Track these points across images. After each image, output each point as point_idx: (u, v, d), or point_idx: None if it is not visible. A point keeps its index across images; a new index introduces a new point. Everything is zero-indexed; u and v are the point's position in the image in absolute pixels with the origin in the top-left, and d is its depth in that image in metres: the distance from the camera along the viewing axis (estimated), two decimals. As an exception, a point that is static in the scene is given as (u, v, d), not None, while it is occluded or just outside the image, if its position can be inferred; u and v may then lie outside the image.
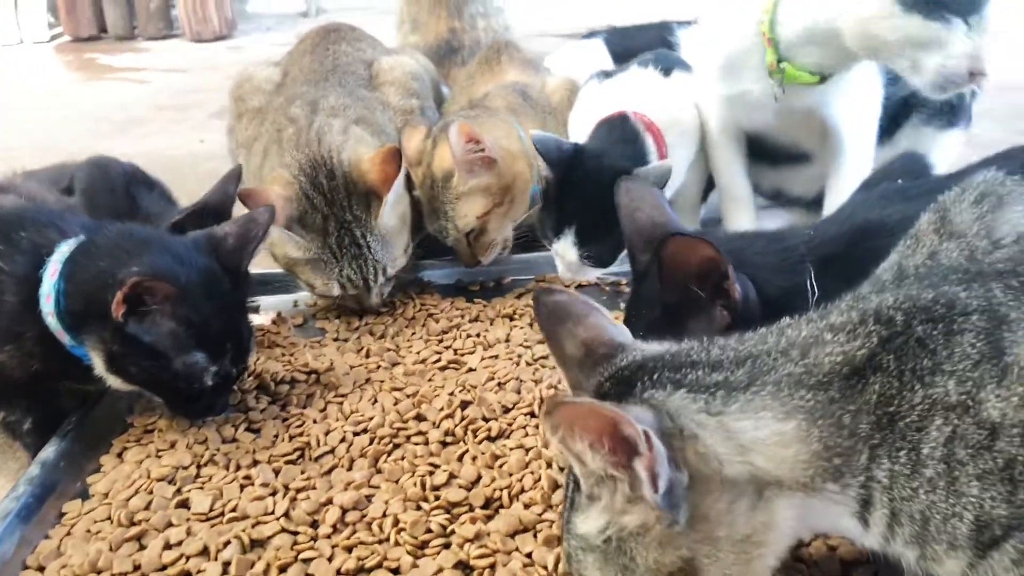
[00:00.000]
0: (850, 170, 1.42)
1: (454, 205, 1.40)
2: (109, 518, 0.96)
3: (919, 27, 1.10)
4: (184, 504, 0.98)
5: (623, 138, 1.35)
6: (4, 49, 4.25)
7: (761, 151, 1.51)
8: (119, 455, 1.08)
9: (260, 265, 1.42)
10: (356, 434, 1.08)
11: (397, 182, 1.30)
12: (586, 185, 1.26)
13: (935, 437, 0.57)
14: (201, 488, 1.00)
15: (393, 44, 2.88)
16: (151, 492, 0.99)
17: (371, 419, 1.09)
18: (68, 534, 0.95)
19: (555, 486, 0.94)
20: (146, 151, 2.56)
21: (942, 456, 0.57)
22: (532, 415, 1.09)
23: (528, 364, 1.21)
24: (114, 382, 1.03)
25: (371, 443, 1.06)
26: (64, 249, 1.00)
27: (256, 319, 1.44)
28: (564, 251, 1.30)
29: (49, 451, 1.05)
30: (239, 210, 1.26)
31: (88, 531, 0.95)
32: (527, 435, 1.04)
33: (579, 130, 1.48)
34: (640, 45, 2.08)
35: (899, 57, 1.15)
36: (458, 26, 2.73)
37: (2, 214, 1.06)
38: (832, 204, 1.43)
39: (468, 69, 1.80)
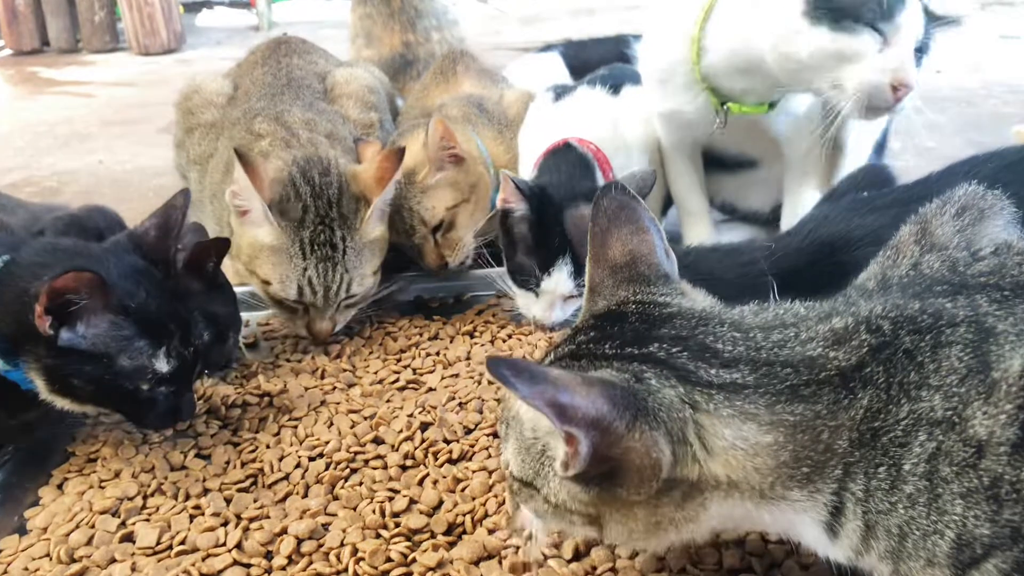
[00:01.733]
0: (804, 180, 1.41)
1: (420, 199, 1.37)
2: (48, 555, 0.91)
3: (829, 40, 1.06)
4: (129, 538, 0.93)
5: (575, 163, 1.34)
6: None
7: (714, 159, 1.51)
8: (59, 486, 1.03)
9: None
10: (311, 459, 1.04)
11: (391, 185, 1.26)
12: (560, 218, 1.24)
13: (918, 453, 0.56)
14: (147, 520, 0.95)
15: (347, 58, 2.85)
16: (93, 526, 0.94)
17: (327, 443, 1.05)
18: (4, 572, 0.89)
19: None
20: (91, 167, 2.49)
21: (924, 472, 0.55)
22: (495, 435, 1.06)
23: (490, 383, 1.18)
24: (62, 403, 0.98)
25: (327, 468, 1.02)
26: None
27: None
28: (558, 284, 1.26)
29: (-18, 484, 1.00)
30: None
31: (26, 569, 0.89)
32: (490, 456, 1.01)
33: (528, 148, 1.46)
34: (596, 58, 2.09)
35: (818, 78, 1.10)
36: (412, 39, 2.71)
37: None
38: (789, 215, 1.43)
39: (423, 80, 1.78)
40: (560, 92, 1.54)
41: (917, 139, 2.23)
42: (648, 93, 1.43)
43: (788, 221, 1.44)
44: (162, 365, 0.98)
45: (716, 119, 1.30)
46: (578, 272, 1.25)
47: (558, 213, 1.24)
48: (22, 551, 0.92)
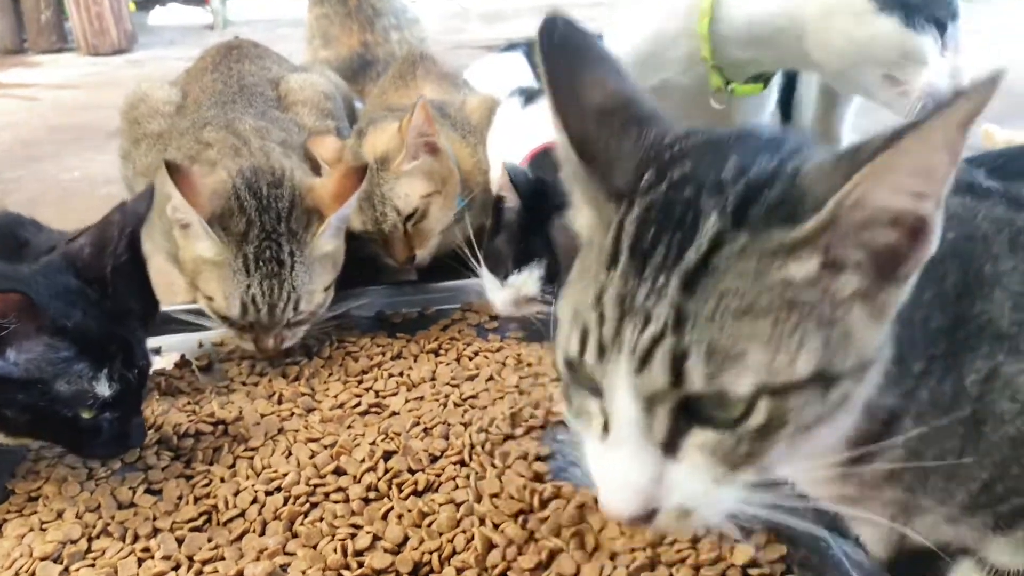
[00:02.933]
0: None
1: (393, 185, 1.32)
2: (-17, 607, 0.84)
3: (898, 33, 1.02)
4: (72, 586, 0.87)
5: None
6: None
7: None
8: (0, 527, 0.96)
9: (165, 302, 1.31)
10: (268, 493, 0.98)
11: (349, 203, 1.21)
12: (557, 215, 1.19)
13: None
14: (92, 566, 0.88)
15: (303, 59, 2.78)
16: (33, 574, 0.87)
17: (285, 475, 1.00)
18: (-65, 628, 0.83)
19: (489, 546, 0.86)
20: (36, 173, 2.39)
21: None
22: (462, 463, 1.02)
23: (456, 405, 1.13)
24: None
25: (285, 503, 0.96)
26: None
27: (158, 362, 1.33)
28: (525, 285, 1.23)
29: (-86, 530, 0.93)
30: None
31: (-41, 624, 0.83)
32: (457, 487, 0.97)
33: (501, 152, 1.42)
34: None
35: (870, 69, 1.05)
36: (371, 39, 2.64)
37: None
38: None
39: (381, 84, 1.72)
40: (530, 95, 1.49)
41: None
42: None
43: None
44: (104, 389, 0.92)
45: (713, 98, 1.26)
46: (549, 279, 1.22)
47: (547, 216, 1.20)
48: (-45, 604, 0.86)
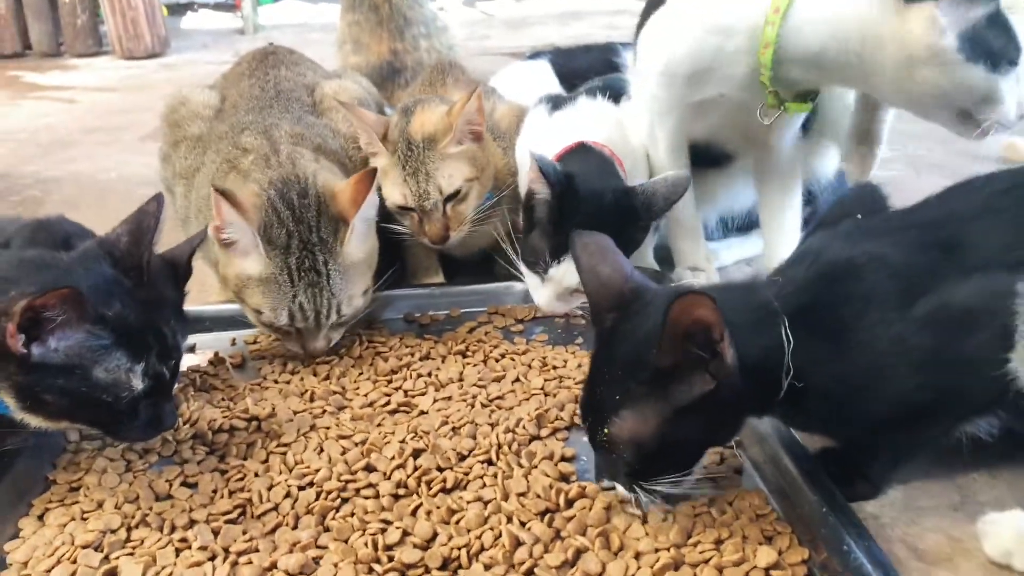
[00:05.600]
0: (787, 188, 1.42)
1: (438, 165, 1.35)
2: (27, 593, 0.88)
3: (984, 79, 1.06)
4: (113, 573, 0.89)
5: (600, 161, 1.33)
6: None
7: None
8: (40, 517, 0.99)
9: (195, 301, 1.34)
10: (301, 488, 1.01)
11: (366, 205, 1.23)
12: (587, 206, 1.23)
13: None
14: (131, 554, 0.92)
15: (334, 64, 2.83)
16: (75, 561, 0.90)
17: (317, 471, 1.03)
18: (-18, 611, 0.87)
19: (516, 543, 0.88)
20: (74, 174, 2.45)
21: None
22: (489, 463, 1.04)
23: (483, 406, 1.16)
24: (34, 421, 0.94)
25: (317, 498, 0.99)
26: None
27: (192, 359, 1.36)
28: (565, 276, 1.25)
29: (-40, 518, 0.96)
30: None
31: (4, 607, 0.87)
32: (484, 486, 0.99)
33: (528, 159, 1.44)
34: (585, 66, 2.07)
35: (947, 106, 1.10)
36: (400, 47, 2.69)
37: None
38: (775, 229, 1.43)
39: (411, 90, 1.75)
40: (557, 103, 1.51)
41: (907, 148, 2.23)
42: (660, 86, 1.34)
43: (774, 236, 1.44)
44: (138, 383, 0.94)
45: (763, 114, 1.27)
46: None
47: (580, 204, 1.23)
48: (0, 589, 0.89)
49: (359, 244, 1.24)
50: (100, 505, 1.00)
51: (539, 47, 2.70)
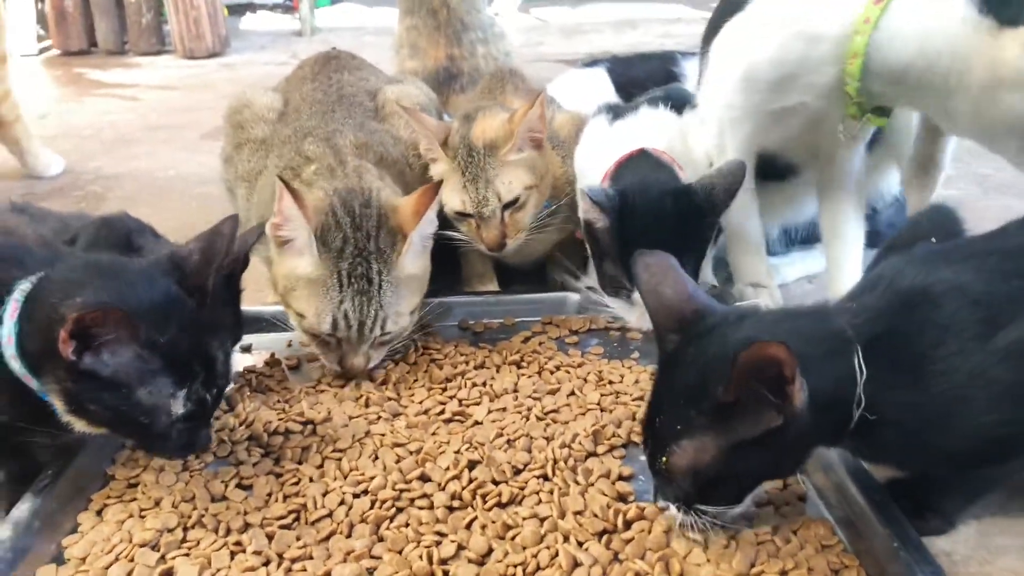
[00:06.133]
0: (850, 206, 1.39)
1: (498, 172, 1.35)
2: (85, 589, 0.88)
3: None
4: (169, 574, 0.90)
5: (657, 167, 1.31)
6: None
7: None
8: (99, 513, 1.00)
9: (253, 301, 1.35)
10: (356, 496, 1.00)
11: (425, 220, 1.22)
12: (648, 220, 1.22)
13: None
14: (187, 555, 0.92)
15: (390, 68, 2.84)
16: (132, 559, 0.91)
17: (372, 479, 1.02)
18: (41, 606, 0.88)
19: (575, 564, 0.86)
20: (135, 171, 2.50)
21: None
22: (545, 478, 1.02)
23: (538, 419, 1.14)
24: (78, 424, 0.94)
25: (372, 507, 0.98)
26: (25, 287, 0.92)
27: (248, 359, 1.37)
28: None
29: (23, 509, 0.97)
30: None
31: (63, 603, 0.87)
32: (540, 502, 0.97)
33: (587, 168, 1.43)
34: (643, 75, 2.04)
35: (1020, 133, 1.06)
36: (457, 53, 2.69)
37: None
38: (838, 249, 1.39)
39: (470, 97, 1.74)
40: (617, 112, 1.50)
41: (972, 165, 2.15)
42: (735, 93, 1.30)
43: (837, 253, 1.40)
44: (179, 407, 0.93)
45: (843, 126, 1.24)
46: None
47: (640, 220, 1.22)
48: (59, 584, 0.90)
49: (414, 260, 1.23)
50: (157, 503, 1.00)
51: (594, 54, 2.68)
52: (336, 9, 5.68)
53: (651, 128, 1.39)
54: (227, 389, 1.24)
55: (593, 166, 1.38)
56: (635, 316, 1.30)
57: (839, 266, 1.37)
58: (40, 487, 1.01)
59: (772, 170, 1.43)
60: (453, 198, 1.37)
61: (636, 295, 1.22)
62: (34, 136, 2.39)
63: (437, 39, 2.71)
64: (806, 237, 1.58)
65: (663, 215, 1.22)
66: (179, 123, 3.01)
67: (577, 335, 1.39)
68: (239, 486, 1.04)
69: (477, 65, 2.64)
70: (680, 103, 1.46)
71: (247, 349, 1.40)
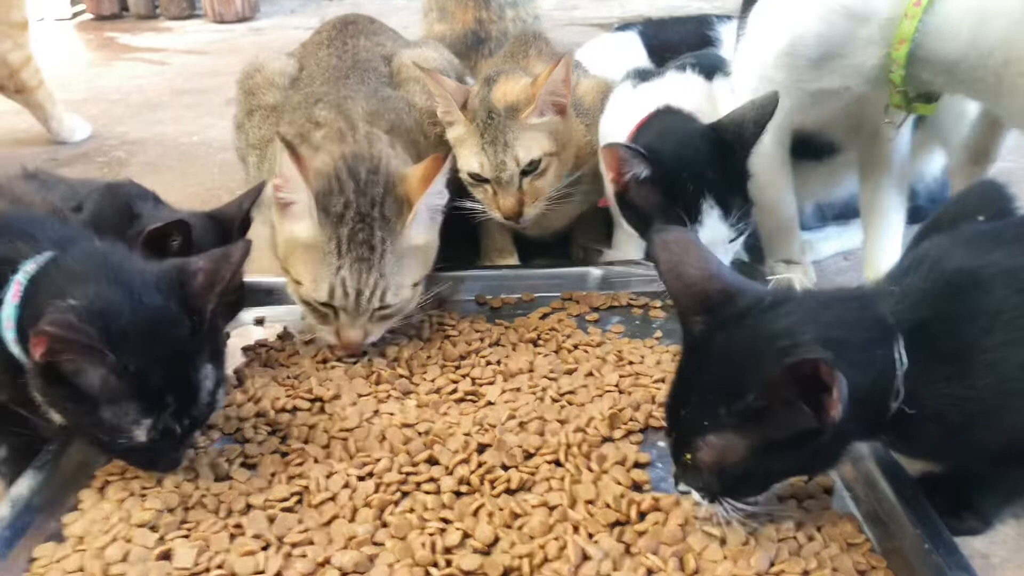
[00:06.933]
0: (892, 184, 1.31)
1: (518, 135, 1.29)
2: (82, 569, 0.86)
3: None
4: (167, 556, 0.87)
5: (681, 118, 1.26)
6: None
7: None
8: (101, 490, 0.98)
9: (266, 272, 1.32)
10: (360, 479, 0.97)
11: (432, 190, 1.17)
12: (687, 161, 1.17)
13: None
14: (186, 537, 0.89)
15: (418, 32, 2.78)
16: (131, 540, 0.88)
17: (378, 461, 0.99)
18: (37, 586, 0.86)
19: (584, 557, 0.82)
20: (159, 136, 2.48)
21: None
22: (557, 463, 0.98)
23: (553, 400, 1.10)
24: (56, 419, 0.91)
25: (376, 490, 0.95)
26: (29, 268, 0.89)
27: (260, 332, 1.34)
28: (714, 232, 1.18)
29: (23, 486, 0.95)
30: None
31: (58, 584, 0.85)
32: (551, 489, 0.93)
33: (609, 132, 1.37)
34: (677, 39, 1.95)
35: None
36: (485, 16, 2.61)
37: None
38: (879, 228, 1.31)
39: (493, 61, 1.68)
40: (643, 76, 1.43)
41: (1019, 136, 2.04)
42: (770, 69, 1.22)
43: (877, 233, 1.32)
44: (142, 435, 0.88)
45: (887, 115, 1.17)
46: (724, 208, 1.17)
47: (677, 162, 1.17)
48: (57, 561, 0.87)
49: (420, 230, 1.18)
50: (159, 482, 0.97)
51: (628, 18, 2.58)
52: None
53: (677, 92, 1.32)
54: (238, 366, 1.23)
55: (615, 130, 1.32)
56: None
57: (878, 245, 1.30)
58: (42, 462, 0.99)
59: (809, 148, 1.35)
60: (471, 161, 1.31)
61: (703, 231, 1.17)
62: (58, 101, 2.37)
63: (466, 2, 2.64)
64: (841, 212, 1.49)
65: (697, 153, 1.17)
66: (205, 88, 2.98)
67: (598, 312, 1.34)
68: (244, 465, 1.01)
69: (506, 29, 2.56)
70: (711, 69, 1.38)
71: (260, 322, 1.37)
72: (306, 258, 1.16)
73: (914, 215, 1.36)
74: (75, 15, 4.38)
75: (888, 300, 0.76)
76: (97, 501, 0.96)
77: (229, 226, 1.17)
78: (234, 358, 1.25)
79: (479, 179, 1.33)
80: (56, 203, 1.14)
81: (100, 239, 1.04)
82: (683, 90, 1.33)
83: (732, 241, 1.21)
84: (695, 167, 1.17)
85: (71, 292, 0.85)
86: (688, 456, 0.78)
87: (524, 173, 1.30)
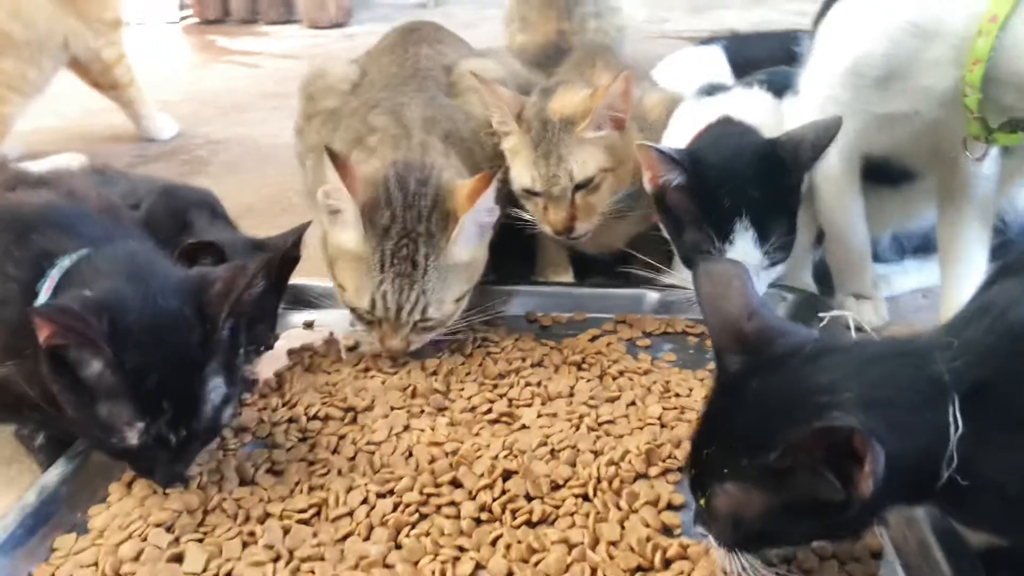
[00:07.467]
0: (983, 213, 1.21)
1: (572, 150, 1.25)
2: (95, 564, 0.86)
3: None
4: (178, 558, 0.87)
5: (736, 130, 1.20)
6: (135, 29, 4.35)
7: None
8: (129, 485, 0.98)
9: (323, 276, 1.31)
10: (380, 495, 0.94)
11: (480, 205, 1.14)
12: (726, 173, 1.11)
13: None
14: (200, 541, 0.89)
15: (501, 41, 2.77)
16: (145, 539, 0.88)
17: (400, 479, 0.96)
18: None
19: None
20: (241, 137, 2.54)
21: None
22: (585, 498, 0.93)
23: (590, 429, 1.04)
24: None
25: (395, 509, 0.92)
26: (65, 263, 0.90)
27: (307, 336, 1.33)
28: (746, 255, 1.11)
29: (52, 475, 0.96)
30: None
31: (72, 576, 0.85)
32: (574, 525, 0.88)
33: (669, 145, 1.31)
34: (763, 55, 1.87)
35: None
36: (567, 27, 2.58)
37: (24, 213, 0.97)
38: (957, 272, 1.21)
39: (559, 72, 1.64)
40: (711, 91, 1.37)
41: None
42: (839, 89, 1.15)
43: (955, 270, 1.21)
44: (133, 439, 0.87)
45: (968, 147, 1.08)
46: (762, 233, 1.11)
47: (718, 173, 1.12)
48: (74, 553, 0.88)
49: (465, 246, 1.15)
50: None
51: (720, 33, 2.50)
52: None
53: (741, 107, 1.25)
54: (279, 368, 1.22)
55: (674, 144, 1.26)
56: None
57: (957, 284, 1.19)
58: (75, 452, 1.00)
59: (883, 174, 1.26)
60: (523, 174, 1.28)
61: (732, 252, 1.11)
62: (149, 100, 2.46)
63: (547, 12, 2.62)
64: (922, 245, 1.39)
65: (744, 169, 1.11)
66: (292, 91, 2.99)
67: (650, 337, 1.28)
68: (270, 471, 1.00)
69: (589, 41, 2.53)
70: (781, 87, 1.31)
71: (309, 325, 1.37)
72: (350, 266, 1.15)
73: (1002, 251, 1.24)
74: (182, 19, 4.58)
75: (945, 354, 0.67)
76: (124, 495, 0.96)
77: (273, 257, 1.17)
78: (280, 360, 1.26)
79: (531, 192, 1.29)
80: (113, 200, 1.16)
81: (147, 239, 1.06)
82: (748, 106, 1.26)
83: (767, 269, 1.14)
84: (736, 182, 1.10)
85: (91, 286, 0.85)
86: (703, 499, 0.72)
87: (577, 188, 1.26)
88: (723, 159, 1.12)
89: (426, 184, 1.14)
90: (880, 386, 0.66)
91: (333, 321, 1.34)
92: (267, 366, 1.24)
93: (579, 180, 1.25)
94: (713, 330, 0.77)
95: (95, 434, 0.88)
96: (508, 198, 1.32)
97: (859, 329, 1.14)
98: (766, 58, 1.78)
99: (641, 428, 1.04)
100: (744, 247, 1.11)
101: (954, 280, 1.20)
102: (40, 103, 2.28)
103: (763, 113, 1.25)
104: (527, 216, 1.33)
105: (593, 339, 1.27)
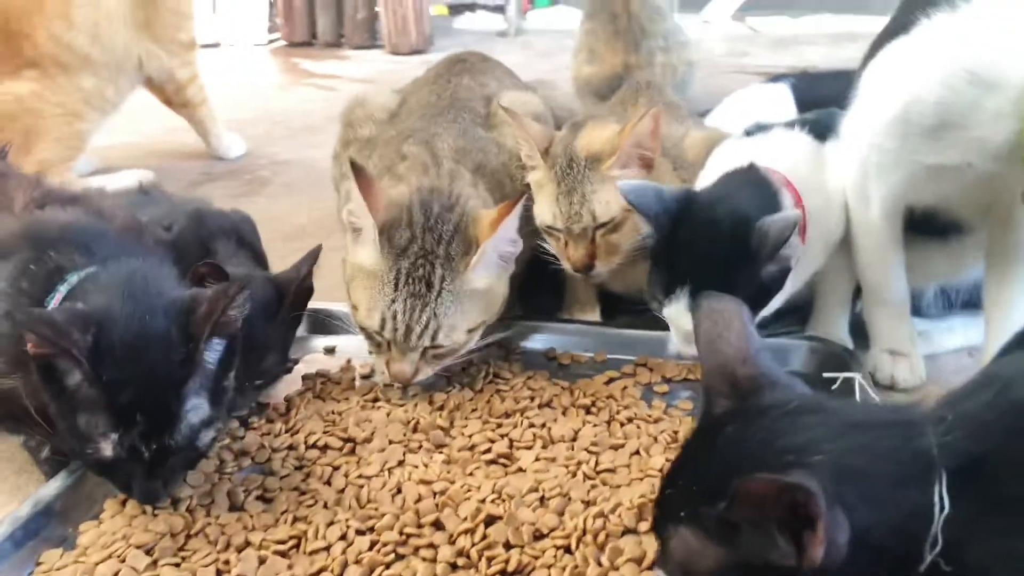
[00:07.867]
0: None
1: (596, 188, 1.23)
2: (72, 583, 0.87)
3: None
4: (152, 581, 0.87)
5: (750, 183, 1.14)
6: (225, 50, 4.55)
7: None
8: (123, 502, 0.99)
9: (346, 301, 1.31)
10: (360, 532, 0.92)
11: (501, 234, 1.13)
12: (698, 236, 1.08)
13: None
14: (176, 566, 0.89)
15: (568, 72, 2.76)
16: (123, 560, 0.89)
17: (383, 516, 0.94)
18: (29, 592, 0.88)
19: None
20: (305, 159, 2.60)
21: None
22: (567, 550, 0.89)
23: (586, 477, 1.00)
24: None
25: (371, 548, 0.90)
26: (73, 280, 0.93)
27: (325, 362, 1.34)
28: (677, 317, 1.10)
29: (49, 488, 0.99)
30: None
31: (47, 595, 0.87)
32: (548, 579, 0.84)
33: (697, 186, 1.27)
34: (832, 93, 1.79)
35: None
36: (634, 60, 2.57)
37: (46, 230, 1.01)
38: (1002, 312, 1.13)
39: (605, 107, 1.62)
40: (752, 131, 1.32)
41: None
42: (885, 137, 1.09)
43: (1001, 329, 1.13)
44: (107, 450, 0.88)
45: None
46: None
47: (694, 230, 1.09)
48: (55, 570, 0.89)
49: (484, 273, 1.14)
50: (175, 503, 0.98)
51: (800, 69, 2.43)
52: (552, 11, 5.68)
53: (776, 149, 1.20)
54: (290, 393, 1.23)
55: (701, 184, 1.22)
56: (673, 338, 1.15)
57: (1000, 346, 1.10)
58: (76, 466, 1.02)
59: (930, 225, 1.18)
60: (544, 211, 1.26)
61: (665, 312, 1.10)
62: (218, 119, 2.55)
63: (615, 45, 2.60)
64: (969, 300, 1.29)
65: (716, 237, 1.07)
66: (360, 116, 3.11)
67: (669, 384, 1.23)
68: (260, 498, 1.00)
69: (654, 75, 2.50)
70: (826, 129, 1.25)
71: (330, 351, 1.38)
72: (365, 285, 1.16)
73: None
74: (270, 41, 4.75)
75: (937, 428, 0.61)
76: (117, 512, 0.98)
77: (285, 290, 1.18)
78: (294, 384, 1.27)
79: (553, 229, 1.26)
80: (140, 221, 1.19)
81: (166, 259, 1.08)
82: (783, 149, 1.21)
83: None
84: (687, 248, 1.07)
85: (87, 302, 0.87)
86: (660, 540, 0.68)
87: (598, 227, 1.23)
88: (696, 225, 1.09)
89: (451, 210, 1.14)
90: (858, 454, 0.61)
91: (355, 347, 1.34)
92: (281, 390, 1.25)
93: (601, 220, 1.22)
94: (706, 368, 0.73)
95: (75, 445, 0.90)
96: (536, 232, 1.30)
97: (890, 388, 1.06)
98: (835, 97, 1.71)
99: (641, 479, 1.00)
100: (678, 310, 1.09)
101: (999, 340, 1.10)
102: (122, 120, 2.39)
103: (796, 159, 1.19)
104: (550, 249, 1.31)
105: (609, 382, 1.23)
